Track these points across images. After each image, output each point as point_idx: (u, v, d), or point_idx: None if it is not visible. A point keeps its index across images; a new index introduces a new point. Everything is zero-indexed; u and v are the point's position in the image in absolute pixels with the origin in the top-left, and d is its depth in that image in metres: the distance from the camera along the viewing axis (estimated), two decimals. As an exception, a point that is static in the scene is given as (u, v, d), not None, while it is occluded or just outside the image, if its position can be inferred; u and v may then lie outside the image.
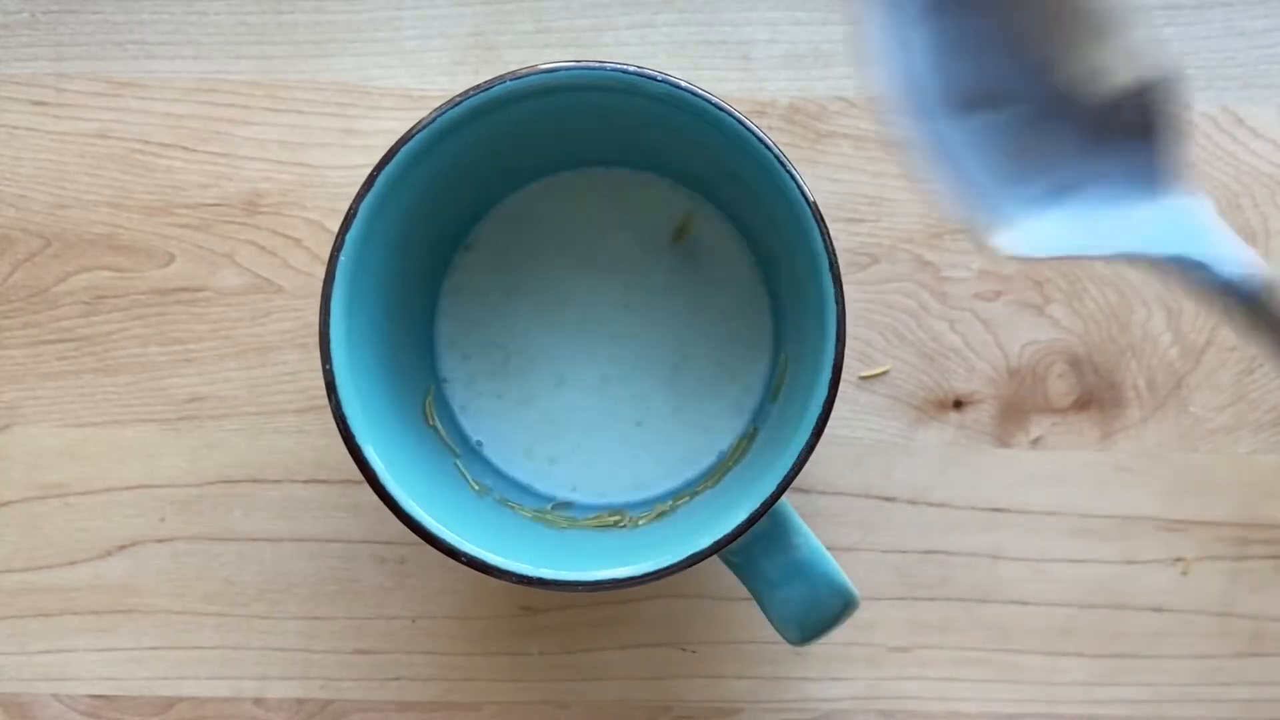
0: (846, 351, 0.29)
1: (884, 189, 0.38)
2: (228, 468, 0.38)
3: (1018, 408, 0.38)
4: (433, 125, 0.27)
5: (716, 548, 0.27)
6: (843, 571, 0.31)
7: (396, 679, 0.38)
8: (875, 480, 0.38)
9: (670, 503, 0.33)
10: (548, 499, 0.34)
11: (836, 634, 0.31)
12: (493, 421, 0.34)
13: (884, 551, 0.38)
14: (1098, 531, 0.38)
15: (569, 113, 0.30)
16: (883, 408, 0.38)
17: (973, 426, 0.38)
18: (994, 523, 0.38)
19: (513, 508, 0.32)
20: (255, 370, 0.38)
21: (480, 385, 0.34)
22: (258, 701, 0.38)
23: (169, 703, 0.38)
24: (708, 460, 0.34)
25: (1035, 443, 0.38)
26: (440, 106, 0.28)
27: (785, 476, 0.27)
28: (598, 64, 0.28)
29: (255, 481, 0.38)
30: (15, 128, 0.38)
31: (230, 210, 0.38)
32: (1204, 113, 0.38)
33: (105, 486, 0.38)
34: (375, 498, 0.28)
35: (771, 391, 0.34)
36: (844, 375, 0.29)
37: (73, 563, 0.38)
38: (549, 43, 0.38)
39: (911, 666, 0.38)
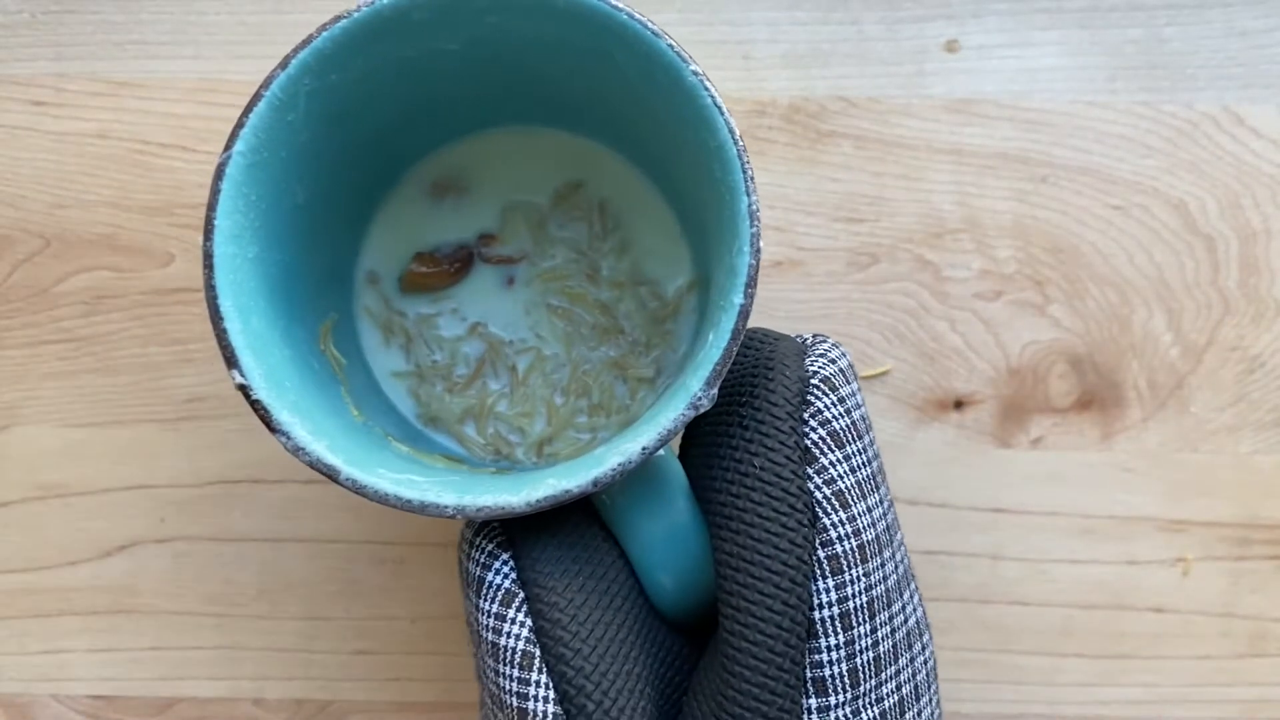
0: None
1: (884, 189, 0.38)
2: (228, 468, 0.38)
3: (1018, 408, 0.38)
4: (339, 26, 0.26)
5: (593, 486, 0.25)
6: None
7: (396, 679, 0.38)
8: (875, 480, 0.38)
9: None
10: (444, 450, 0.33)
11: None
12: (397, 368, 0.34)
13: (884, 552, 0.37)
14: (1098, 532, 0.38)
15: (466, 48, 0.28)
16: (883, 408, 0.38)
17: (973, 426, 0.38)
18: (994, 523, 0.38)
19: (397, 443, 0.31)
20: (255, 370, 0.38)
21: (395, 329, 0.34)
22: (257, 702, 0.38)
23: (168, 703, 0.38)
24: (623, 410, 0.33)
25: (1036, 443, 0.38)
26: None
27: (667, 428, 0.25)
28: None
29: (255, 482, 0.38)
30: (15, 128, 0.38)
31: (230, 210, 0.38)
32: (1205, 112, 0.38)
33: (105, 487, 0.38)
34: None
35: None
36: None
37: (72, 563, 0.38)
38: (549, 43, 0.38)
39: (912, 667, 0.38)
